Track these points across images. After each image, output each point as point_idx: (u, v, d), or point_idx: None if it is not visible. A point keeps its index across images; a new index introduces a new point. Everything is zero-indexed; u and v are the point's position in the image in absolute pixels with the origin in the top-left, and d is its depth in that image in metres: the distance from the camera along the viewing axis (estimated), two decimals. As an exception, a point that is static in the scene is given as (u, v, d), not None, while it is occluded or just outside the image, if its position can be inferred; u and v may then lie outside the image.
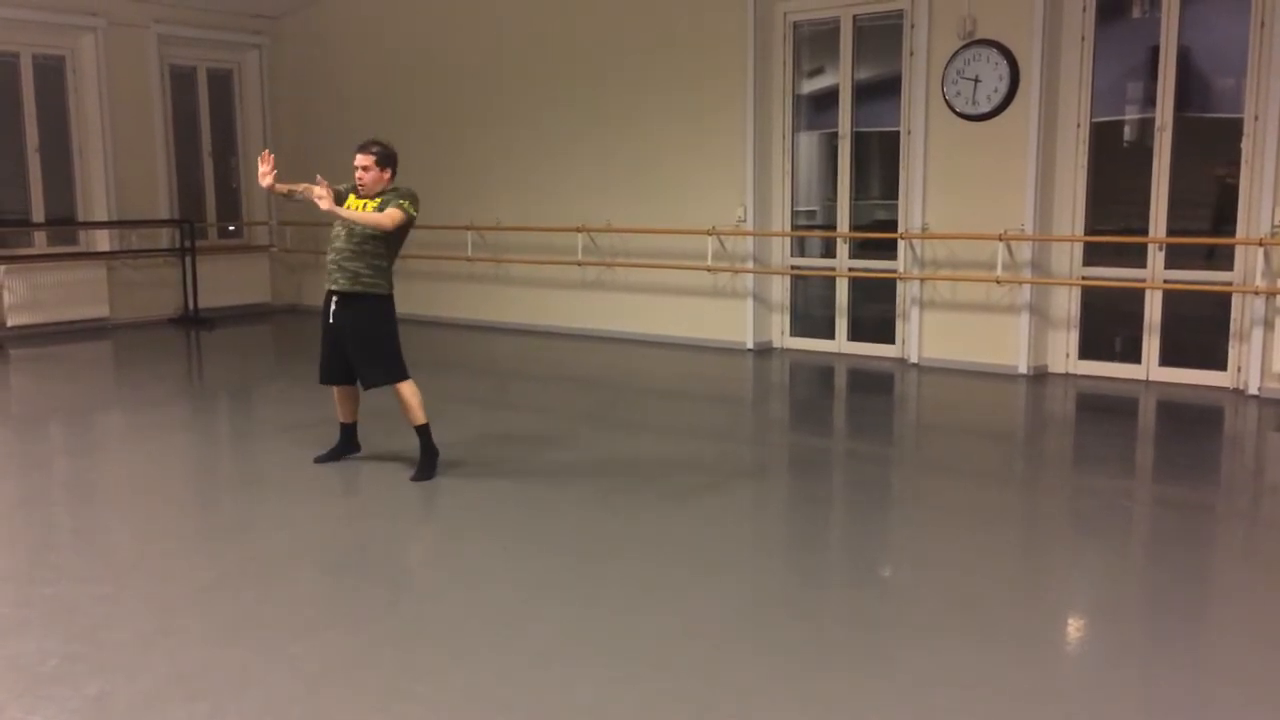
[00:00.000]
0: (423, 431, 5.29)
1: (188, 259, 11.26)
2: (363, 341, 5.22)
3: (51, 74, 10.73)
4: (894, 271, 8.58)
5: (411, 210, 5.10)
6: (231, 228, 12.50)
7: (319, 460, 5.51)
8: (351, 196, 5.25)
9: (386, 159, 5.22)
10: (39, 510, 5.02)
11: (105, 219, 10.92)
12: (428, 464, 5.28)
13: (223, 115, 12.24)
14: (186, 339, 10.42)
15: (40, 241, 10.81)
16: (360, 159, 5.16)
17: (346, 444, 5.58)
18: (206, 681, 3.14)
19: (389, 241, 5.18)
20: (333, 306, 5.23)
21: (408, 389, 5.25)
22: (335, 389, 5.46)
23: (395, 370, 5.26)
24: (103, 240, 11.05)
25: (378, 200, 5.16)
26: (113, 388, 8.46)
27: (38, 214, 10.71)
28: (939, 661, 3.26)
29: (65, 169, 10.87)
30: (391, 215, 5.04)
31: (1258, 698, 3.05)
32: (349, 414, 5.53)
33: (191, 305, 11.27)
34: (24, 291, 10.24)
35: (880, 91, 8.71)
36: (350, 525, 4.73)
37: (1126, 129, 7.95)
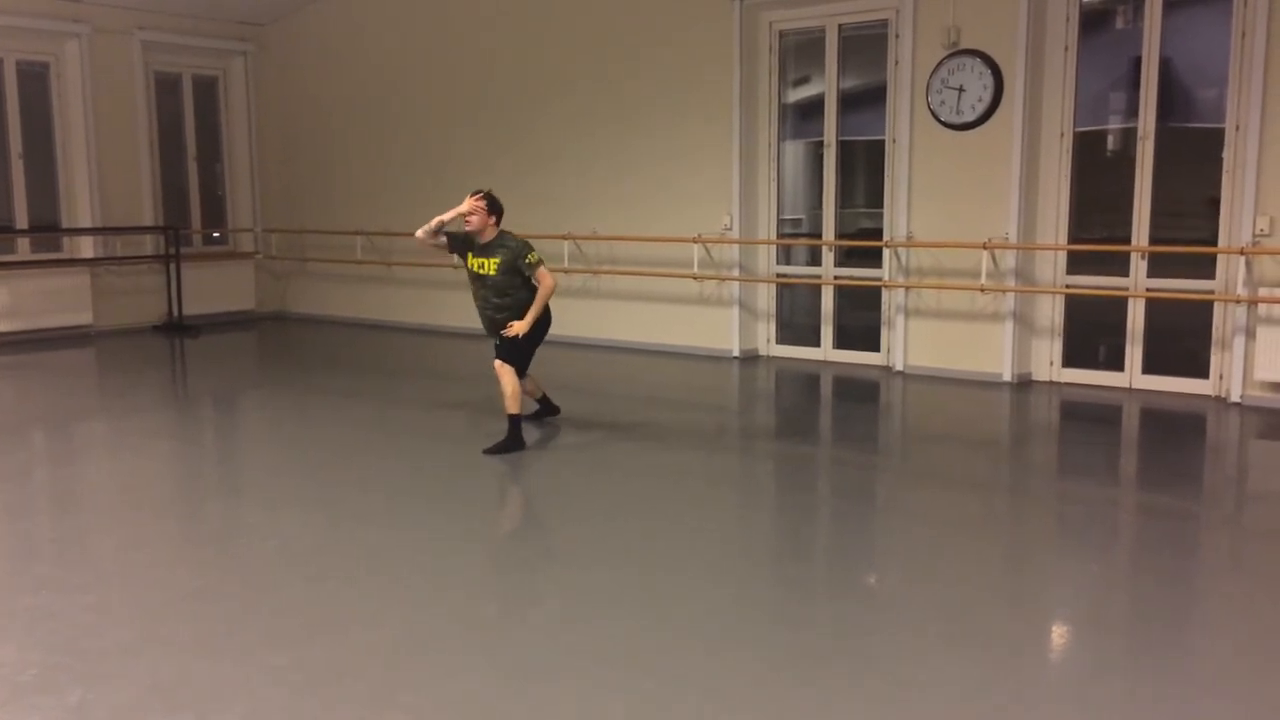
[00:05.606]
0: (509, 419, 5.99)
1: (172, 266, 11.22)
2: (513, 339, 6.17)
3: (35, 80, 10.69)
4: (879, 280, 8.62)
5: (536, 259, 6.13)
6: (216, 234, 12.45)
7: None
8: (469, 256, 6.13)
9: (494, 207, 6.10)
10: (21, 518, 4.99)
11: (89, 225, 10.87)
12: (504, 444, 5.92)
13: (208, 122, 12.21)
14: (171, 346, 10.37)
15: (23, 248, 10.74)
16: (471, 202, 6.03)
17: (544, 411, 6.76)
18: (189, 691, 3.12)
19: (528, 286, 6.11)
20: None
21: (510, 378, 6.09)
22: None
23: (514, 357, 6.17)
24: (86, 247, 11.00)
25: (496, 258, 6.04)
26: (96, 395, 8.41)
27: (21, 220, 10.65)
28: (925, 670, 3.27)
29: (49, 175, 10.82)
30: (544, 282, 6.06)
31: (1242, 705, 3.07)
32: (530, 391, 6.57)
33: (176, 312, 11.22)
34: (6, 298, 10.18)
35: (865, 100, 8.75)
36: (335, 534, 4.71)
37: (1109, 138, 8.01)
